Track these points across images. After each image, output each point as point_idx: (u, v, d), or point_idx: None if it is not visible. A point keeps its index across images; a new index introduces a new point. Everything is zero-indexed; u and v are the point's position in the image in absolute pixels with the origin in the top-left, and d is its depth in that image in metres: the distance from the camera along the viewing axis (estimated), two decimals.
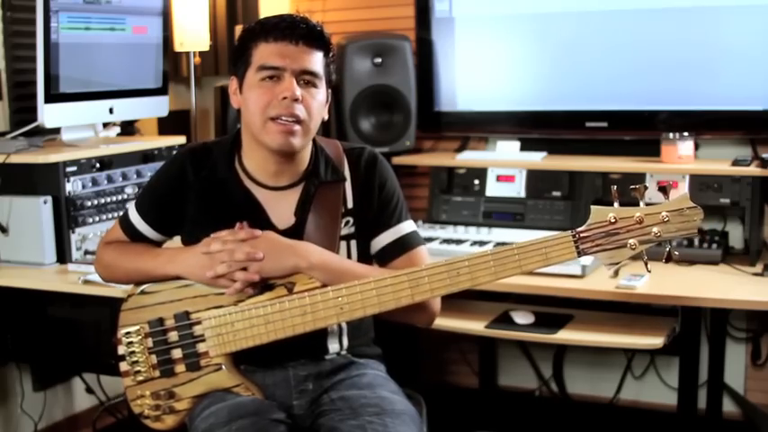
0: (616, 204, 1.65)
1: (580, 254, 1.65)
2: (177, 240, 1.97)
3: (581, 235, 1.64)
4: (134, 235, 1.96)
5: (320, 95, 1.82)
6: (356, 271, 1.80)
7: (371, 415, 1.75)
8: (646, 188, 1.64)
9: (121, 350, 1.85)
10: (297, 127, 1.77)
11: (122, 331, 1.85)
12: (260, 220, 1.83)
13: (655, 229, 1.62)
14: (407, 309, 1.73)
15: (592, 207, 1.65)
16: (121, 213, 2.02)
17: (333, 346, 1.90)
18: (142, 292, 1.87)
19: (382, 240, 1.90)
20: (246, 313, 1.76)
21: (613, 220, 1.63)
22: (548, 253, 1.65)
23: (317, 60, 1.79)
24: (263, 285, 1.77)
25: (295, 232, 1.83)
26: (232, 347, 1.78)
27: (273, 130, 1.77)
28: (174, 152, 3.06)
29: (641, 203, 1.64)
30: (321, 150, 1.90)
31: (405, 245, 1.89)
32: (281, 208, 1.86)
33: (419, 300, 1.72)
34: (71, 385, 3.31)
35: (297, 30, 1.76)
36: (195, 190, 1.87)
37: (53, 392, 3.23)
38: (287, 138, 1.77)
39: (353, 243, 1.89)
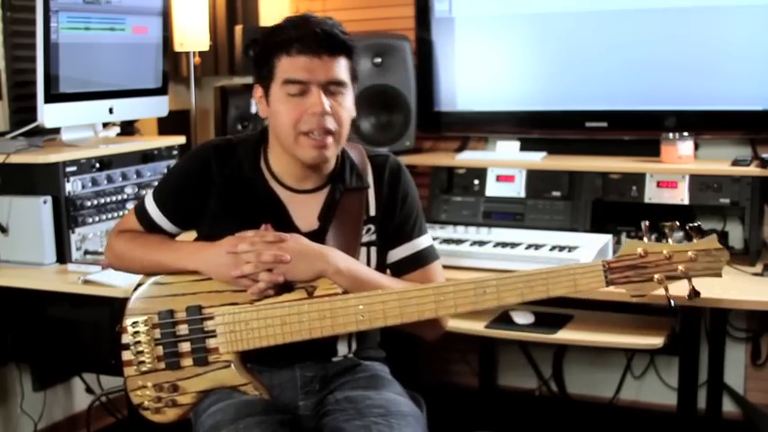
0: (646, 239, 1.68)
1: (608, 284, 1.68)
2: (192, 234, 1.95)
3: (611, 266, 1.68)
4: (150, 225, 1.93)
5: (348, 101, 1.81)
6: (381, 282, 1.80)
7: (377, 416, 1.75)
8: (677, 225, 1.67)
9: (126, 339, 1.84)
10: (329, 140, 1.77)
11: (129, 320, 1.84)
12: (283, 221, 1.83)
13: (681, 267, 1.66)
14: (420, 322, 1.73)
15: (624, 239, 1.68)
16: (137, 202, 1.99)
17: (342, 349, 1.90)
18: (154, 283, 1.86)
19: (399, 253, 1.90)
20: (263, 313, 1.75)
21: (643, 254, 1.67)
22: (576, 280, 1.68)
23: (341, 68, 1.78)
24: (283, 286, 1.77)
25: (317, 236, 1.83)
26: (244, 346, 1.78)
27: (306, 144, 1.77)
28: (176, 152, 3.08)
29: (670, 240, 1.67)
30: (347, 156, 1.89)
31: (421, 259, 1.90)
32: (305, 211, 1.86)
33: (443, 314, 1.73)
34: (71, 385, 3.31)
35: (320, 43, 1.73)
36: (219, 186, 1.86)
37: (53, 392, 3.23)
38: (320, 151, 1.77)
39: (373, 250, 1.89)
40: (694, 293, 1.69)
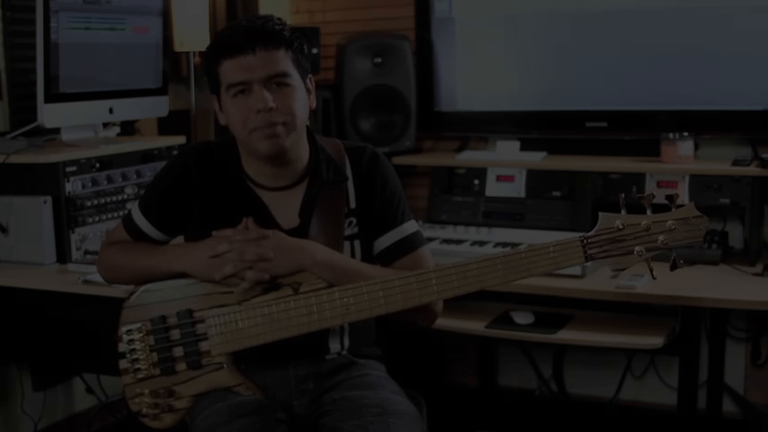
0: (623, 211, 1.67)
1: (587, 259, 1.66)
2: (180, 240, 1.97)
3: (589, 240, 1.66)
4: (138, 236, 1.95)
5: (296, 92, 1.80)
6: (362, 270, 1.80)
7: (374, 415, 1.75)
8: (653, 196, 1.65)
9: (122, 348, 1.85)
10: (279, 127, 1.77)
11: (123, 329, 1.85)
12: (265, 219, 1.84)
13: (661, 237, 1.64)
14: (411, 309, 1.73)
15: (600, 213, 1.67)
16: (124, 214, 2.01)
17: (334, 346, 1.90)
18: (145, 290, 1.87)
19: (385, 241, 1.90)
20: (251, 312, 1.76)
21: (621, 227, 1.65)
22: (556, 257, 1.67)
23: (280, 60, 1.77)
24: (269, 285, 1.77)
25: (300, 233, 1.84)
26: (235, 346, 1.78)
27: (257, 138, 1.78)
28: (176, 152, 3.08)
29: (648, 211, 1.65)
30: (322, 150, 1.90)
31: (408, 245, 1.90)
32: (286, 208, 1.87)
33: (426, 301, 1.73)
34: (71, 385, 3.30)
35: (251, 39, 1.74)
36: (199, 189, 1.88)
37: (53, 392, 3.23)
38: (273, 140, 1.78)
39: (357, 243, 1.90)
40: (675, 265, 1.66)
